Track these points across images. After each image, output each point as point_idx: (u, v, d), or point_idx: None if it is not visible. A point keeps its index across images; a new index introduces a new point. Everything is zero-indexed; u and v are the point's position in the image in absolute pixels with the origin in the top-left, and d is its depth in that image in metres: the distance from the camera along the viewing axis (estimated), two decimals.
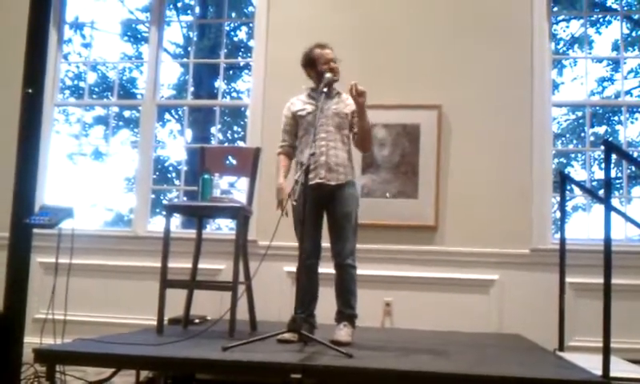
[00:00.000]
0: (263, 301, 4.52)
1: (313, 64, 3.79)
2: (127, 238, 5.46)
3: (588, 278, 4.56)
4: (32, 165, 3.43)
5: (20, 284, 3.32)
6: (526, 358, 3.45)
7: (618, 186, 9.76)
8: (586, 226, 11.02)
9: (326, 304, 3.72)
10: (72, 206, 3.62)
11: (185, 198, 5.98)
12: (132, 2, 12.08)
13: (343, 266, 3.64)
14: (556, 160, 11.50)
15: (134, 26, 12.76)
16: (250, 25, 6.40)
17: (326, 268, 3.74)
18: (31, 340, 3.47)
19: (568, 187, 4.95)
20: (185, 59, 13.16)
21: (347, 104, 3.81)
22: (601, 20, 11.86)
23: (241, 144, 11.79)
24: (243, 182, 4.66)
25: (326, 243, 3.73)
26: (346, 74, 3.91)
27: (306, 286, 3.60)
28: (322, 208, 3.73)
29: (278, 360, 2.92)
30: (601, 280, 2.95)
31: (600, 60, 12.40)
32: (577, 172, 12.56)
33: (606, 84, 12.41)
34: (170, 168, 13.58)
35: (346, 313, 3.66)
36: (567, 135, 12.92)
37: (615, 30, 12.12)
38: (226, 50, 6.23)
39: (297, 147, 3.85)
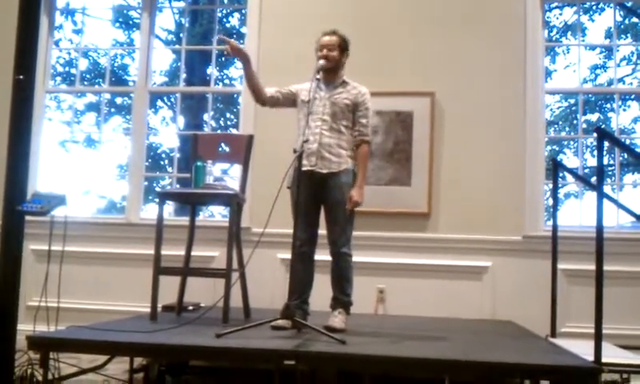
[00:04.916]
0: (257, 288, 4.52)
1: (317, 51, 3.80)
2: (120, 225, 5.45)
3: (580, 265, 4.58)
4: (24, 152, 3.42)
5: (13, 271, 3.31)
6: (519, 344, 3.48)
7: (611, 173, 9.82)
8: (578, 212, 11.02)
9: (321, 291, 3.73)
10: (64, 193, 3.61)
11: (178, 185, 5.96)
12: None
13: (338, 254, 3.65)
14: (549, 147, 11.53)
15: (125, 12, 12.64)
16: (243, 11, 6.37)
17: (321, 255, 3.75)
18: (25, 327, 3.47)
19: (560, 174, 4.96)
20: (177, 46, 13.08)
21: (352, 94, 3.76)
22: (594, 7, 11.86)
23: (234, 131, 11.75)
24: (236, 169, 4.65)
25: (323, 231, 3.74)
26: None
27: (300, 273, 3.61)
28: (317, 196, 3.72)
29: (271, 347, 2.93)
30: (593, 267, 2.97)
31: (593, 47, 12.44)
32: (569, 159, 12.61)
33: (598, 71, 12.44)
34: (163, 155, 13.54)
35: (341, 300, 3.68)
36: (560, 122, 12.94)
37: (608, 17, 12.10)
38: (218, 37, 6.19)
39: (276, 100, 3.86)
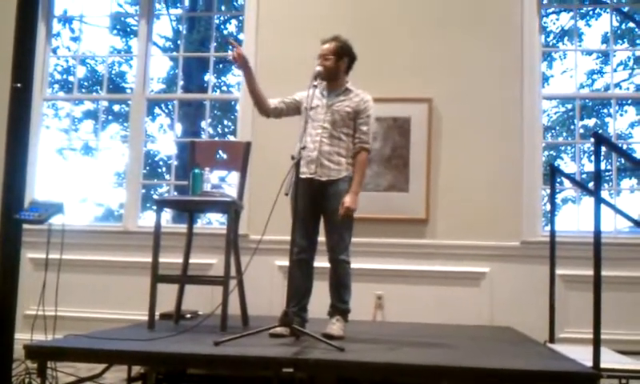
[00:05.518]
0: (255, 295, 4.51)
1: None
2: (118, 233, 5.44)
3: (578, 270, 4.58)
4: (21, 160, 3.41)
5: (10, 280, 3.29)
6: (517, 350, 3.47)
7: (608, 178, 9.79)
8: (575, 218, 11.03)
9: (320, 298, 3.73)
10: (62, 201, 3.60)
11: (175, 193, 5.95)
12: None
13: (336, 261, 3.65)
14: (546, 152, 11.55)
15: (123, 19, 12.67)
16: (240, 18, 6.38)
17: (319, 262, 3.74)
18: (22, 336, 3.45)
19: (558, 180, 4.97)
20: (174, 53, 13.10)
21: (354, 101, 3.74)
22: (591, 12, 11.89)
23: (231, 138, 11.75)
24: (234, 177, 4.65)
25: (322, 238, 3.74)
26: None
27: (298, 280, 3.60)
28: (316, 203, 3.71)
29: (269, 354, 2.92)
30: (591, 272, 2.97)
31: (590, 53, 12.44)
32: (567, 164, 12.61)
33: (595, 76, 12.46)
34: (161, 162, 13.53)
35: (339, 307, 3.67)
36: (557, 128, 12.95)
37: (605, 22, 12.17)
38: (215, 44, 6.21)
39: (280, 110, 3.88)
